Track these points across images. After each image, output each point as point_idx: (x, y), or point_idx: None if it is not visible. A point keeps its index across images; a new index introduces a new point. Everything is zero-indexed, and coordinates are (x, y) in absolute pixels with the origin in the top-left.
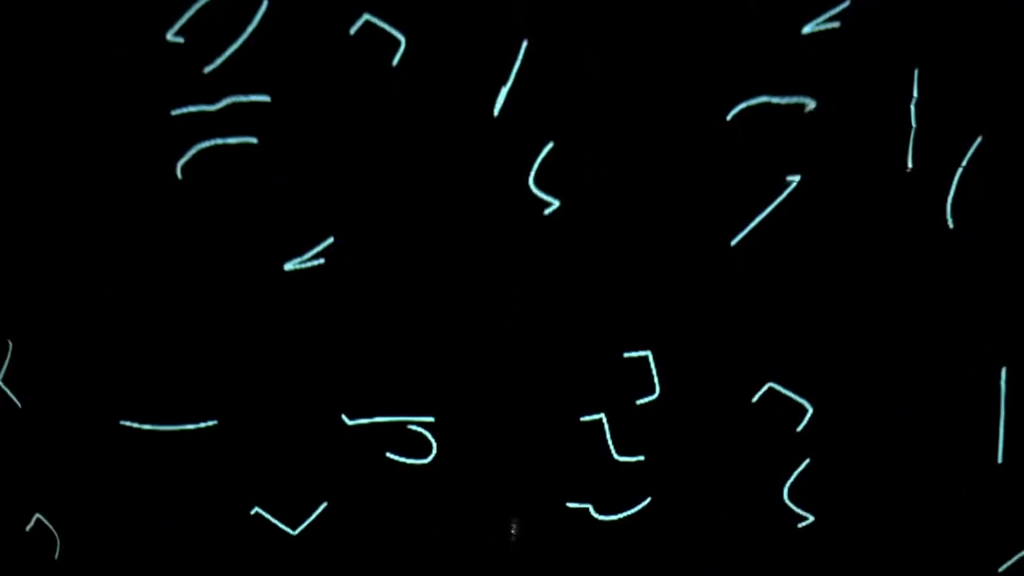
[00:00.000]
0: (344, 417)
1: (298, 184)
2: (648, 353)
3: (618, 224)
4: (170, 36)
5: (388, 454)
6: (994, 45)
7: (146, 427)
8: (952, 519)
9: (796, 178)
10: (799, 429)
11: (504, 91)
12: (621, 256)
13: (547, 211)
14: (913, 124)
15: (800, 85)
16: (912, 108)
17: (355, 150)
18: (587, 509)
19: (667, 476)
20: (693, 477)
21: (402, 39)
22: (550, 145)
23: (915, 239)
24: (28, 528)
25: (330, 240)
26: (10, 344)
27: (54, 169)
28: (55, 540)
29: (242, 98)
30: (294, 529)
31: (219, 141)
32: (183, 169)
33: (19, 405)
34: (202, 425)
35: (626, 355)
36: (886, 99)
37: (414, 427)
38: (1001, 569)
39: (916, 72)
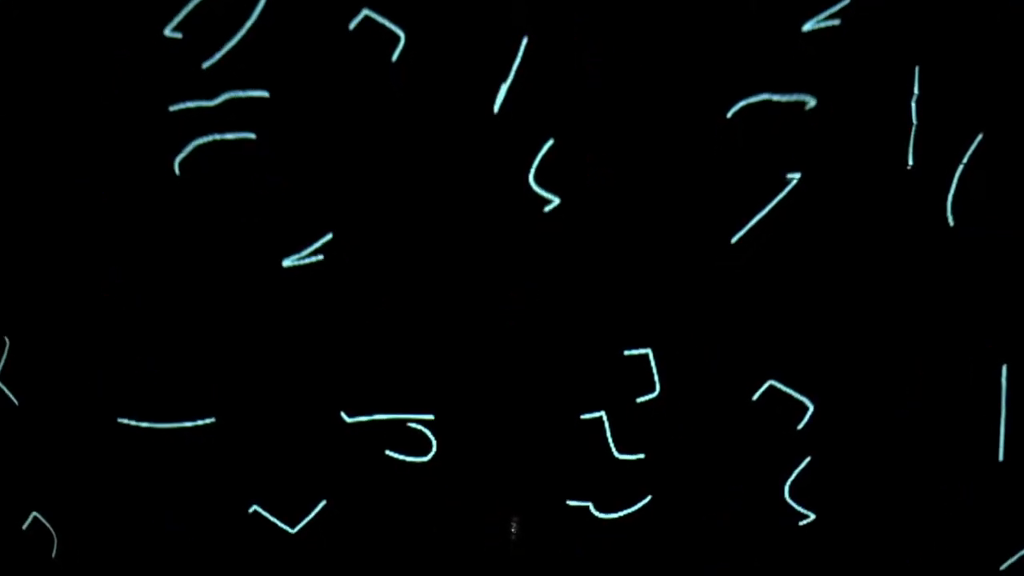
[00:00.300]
0: (343, 415)
1: (296, 180)
2: (648, 351)
3: (618, 221)
4: (168, 32)
5: (387, 452)
6: (994, 43)
7: (144, 425)
8: (953, 517)
9: (796, 176)
10: (800, 427)
11: (504, 88)
12: (621, 254)
13: (547, 208)
14: (914, 121)
15: (800, 83)
16: (913, 105)
17: (354, 146)
18: (587, 507)
19: (667, 474)
20: (693, 475)
21: (401, 35)
22: (550, 142)
23: (915, 237)
24: (25, 526)
25: (329, 236)
26: (7, 341)
27: (52, 166)
28: (52, 538)
29: (240, 94)
30: (293, 527)
31: (217, 137)
32: (181, 165)
33: (16, 403)
34: (200, 423)
35: (626, 353)
36: (887, 96)
37: (414, 425)
38: (1003, 567)
39: (917, 69)
